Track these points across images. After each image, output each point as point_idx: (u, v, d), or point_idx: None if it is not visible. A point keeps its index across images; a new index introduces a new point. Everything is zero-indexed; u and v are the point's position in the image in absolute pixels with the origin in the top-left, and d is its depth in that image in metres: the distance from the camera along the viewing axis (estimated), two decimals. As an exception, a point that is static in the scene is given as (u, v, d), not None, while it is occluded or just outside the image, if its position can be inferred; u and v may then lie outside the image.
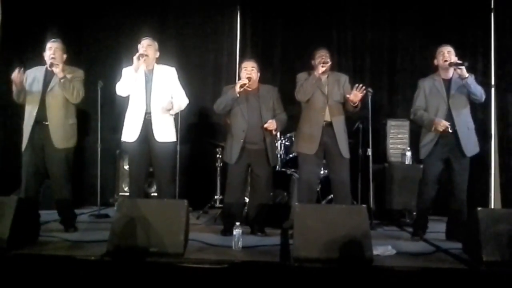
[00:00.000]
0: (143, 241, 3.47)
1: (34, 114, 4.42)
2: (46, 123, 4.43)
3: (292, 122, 5.46)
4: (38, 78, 4.50)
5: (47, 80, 4.49)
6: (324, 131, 4.45)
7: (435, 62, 4.51)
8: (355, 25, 6.51)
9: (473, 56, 6.24)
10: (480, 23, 6.30)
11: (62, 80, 4.40)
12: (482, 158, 6.15)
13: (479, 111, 6.16)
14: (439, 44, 5.83)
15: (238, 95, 4.44)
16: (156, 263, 3.33)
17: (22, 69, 4.44)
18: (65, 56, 4.56)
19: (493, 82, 6.24)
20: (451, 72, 4.44)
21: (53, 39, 4.54)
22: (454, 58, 4.38)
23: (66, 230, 4.48)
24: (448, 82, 4.42)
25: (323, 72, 4.46)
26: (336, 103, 4.52)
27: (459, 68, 4.27)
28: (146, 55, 4.41)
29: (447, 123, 4.25)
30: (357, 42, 6.49)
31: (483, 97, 4.41)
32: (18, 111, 6.12)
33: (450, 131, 4.27)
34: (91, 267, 3.39)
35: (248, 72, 4.50)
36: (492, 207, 6.03)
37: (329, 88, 4.52)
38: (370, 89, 5.12)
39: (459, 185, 4.40)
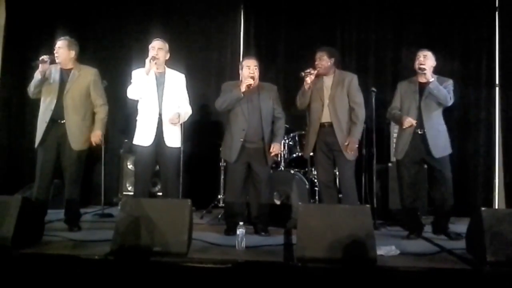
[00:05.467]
0: (147, 240, 3.48)
1: (51, 112, 4.43)
2: (63, 121, 4.45)
3: (295, 122, 5.47)
4: (54, 77, 4.50)
5: (63, 80, 4.50)
6: (324, 132, 4.45)
7: (414, 65, 4.60)
8: (359, 24, 6.49)
9: (477, 56, 6.23)
10: (484, 22, 6.28)
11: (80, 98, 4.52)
12: (486, 158, 6.16)
13: (483, 110, 6.16)
14: (443, 44, 5.83)
15: (242, 95, 4.44)
16: (160, 262, 3.34)
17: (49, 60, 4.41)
18: (72, 52, 4.55)
19: (497, 82, 6.22)
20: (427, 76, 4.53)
21: (61, 37, 4.57)
22: (431, 63, 4.51)
23: (70, 229, 4.49)
24: (423, 86, 4.52)
25: (322, 74, 4.49)
26: (339, 103, 4.45)
27: (423, 73, 4.42)
28: (157, 58, 4.45)
29: (413, 121, 4.42)
30: (361, 41, 6.47)
31: (449, 101, 4.50)
32: (23, 109, 6.19)
33: (414, 124, 4.43)
34: (95, 267, 3.40)
35: (251, 71, 4.49)
36: (496, 207, 6.02)
37: (331, 90, 4.47)
38: (374, 89, 5.13)
39: (439, 180, 4.48)
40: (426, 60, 4.48)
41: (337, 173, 4.86)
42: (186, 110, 4.65)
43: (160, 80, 4.53)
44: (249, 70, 4.50)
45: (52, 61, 4.46)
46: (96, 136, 4.61)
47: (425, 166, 4.67)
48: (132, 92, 4.51)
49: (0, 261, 3.37)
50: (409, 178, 4.52)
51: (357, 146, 4.44)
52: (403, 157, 4.51)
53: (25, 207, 3.69)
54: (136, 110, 4.61)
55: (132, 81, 4.52)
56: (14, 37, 6.46)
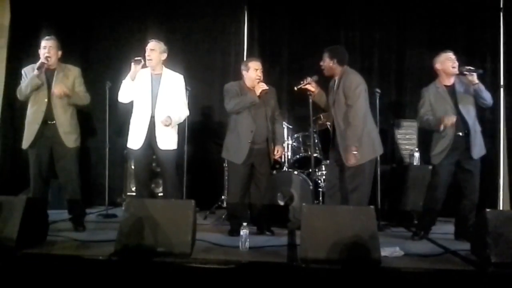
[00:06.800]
0: (151, 241, 3.48)
1: (42, 114, 4.44)
2: (53, 122, 4.46)
3: (299, 123, 5.46)
4: (40, 77, 4.47)
5: (49, 80, 4.50)
6: (334, 133, 4.37)
7: (438, 66, 4.50)
8: (363, 25, 6.48)
9: (482, 57, 6.22)
10: (489, 24, 6.27)
11: (66, 98, 4.46)
12: (490, 159, 6.12)
13: (487, 112, 6.13)
14: (447, 45, 5.77)
15: (258, 99, 4.46)
16: (164, 263, 3.34)
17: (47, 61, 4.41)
18: (60, 52, 4.56)
19: (502, 83, 6.20)
20: (453, 79, 4.46)
21: (47, 36, 4.54)
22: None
23: (76, 229, 4.52)
24: (451, 88, 4.45)
25: (328, 75, 4.42)
26: (338, 107, 4.28)
27: (471, 75, 4.27)
28: (148, 60, 4.43)
29: (454, 117, 4.28)
30: (364, 42, 6.47)
31: (492, 102, 4.44)
32: (27, 110, 6.20)
33: (454, 120, 4.27)
34: (99, 267, 3.40)
35: (259, 73, 4.51)
36: (501, 208, 6.00)
37: (334, 92, 4.36)
38: (378, 89, 5.11)
39: (471, 186, 4.42)
40: (457, 62, 4.40)
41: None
42: (180, 113, 4.59)
43: (155, 82, 4.51)
44: (256, 72, 4.51)
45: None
46: (59, 88, 4.42)
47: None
48: (120, 97, 4.54)
49: (4, 261, 3.38)
50: (445, 181, 4.44)
51: (354, 152, 4.09)
52: (441, 161, 4.40)
53: (29, 207, 3.70)
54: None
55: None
56: (19, 38, 6.48)
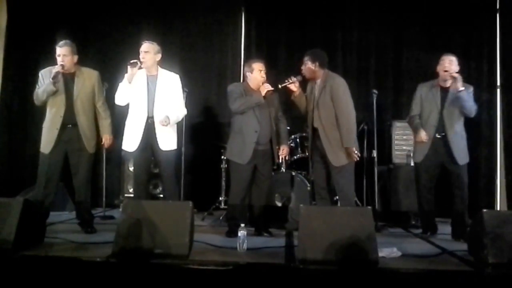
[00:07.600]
0: (148, 242, 3.47)
1: (61, 118, 4.43)
2: (70, 126, 4.46)
3: (296, 124, 5.46)
4: (56, 85, 4.42)
5: (69, 85, 4.49)
6: (316, 136, 4.39)
7: (437, 68, 4.59)
8: (360, 26, 6.49)
9: (478, 57, 6.24)
10: (485, 24, 6.29)
11: (88, 103, 4.56)
12: (487, 160, 6.15)
13: (484, 112, 6.16)
14: (444, 45, 5.81)
15: (263, 100, 4.48)
16: (161, 264, 3.34)
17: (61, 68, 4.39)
18: (76, 57, 4.53)
19: (498, 83, 6.22)
20: (449, 82, 4.52)
21: (61, 42, 4.50)
22: (455, 68, 4.49)
23: (86, 231, 4.53)
24: (445, 91, 4.53)
25: (310, 78, 4.45)
26: (322, 109, 4.32)
27: (455, 80, 4.39)
28: (141, 62, 4.42)
29: (424, 138, 4.47)
30: (362, 43, 6.48)
31: (473, 114, 4.53)
32: (24, 112, 6.20)
33: (425, 140, 4.48)
34: (97, 269, 3.39)
35: (263, 75, 4.54)
36: (498, 208, 6.01)
37: (317, 94, 4.37)
38: (375, 90, 5.12)
39: (458, 187, 4.51)
40: (451, 66, 4.47)
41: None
42: (178, 113, 4.59)
43: (151, 83, 4.50)
44: (261, 73, 4.54)
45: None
46: (110, 140, 4.72)
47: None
48: (116, 98, 4.53)
49: (1, 263, 3.37)
50: (427, 181, 4.58)
51: (356, 152, 4.24)
52: (422, 160, 4.55)
53: (26, 209, 3.68)
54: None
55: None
56: (16, 39, 6.46)
